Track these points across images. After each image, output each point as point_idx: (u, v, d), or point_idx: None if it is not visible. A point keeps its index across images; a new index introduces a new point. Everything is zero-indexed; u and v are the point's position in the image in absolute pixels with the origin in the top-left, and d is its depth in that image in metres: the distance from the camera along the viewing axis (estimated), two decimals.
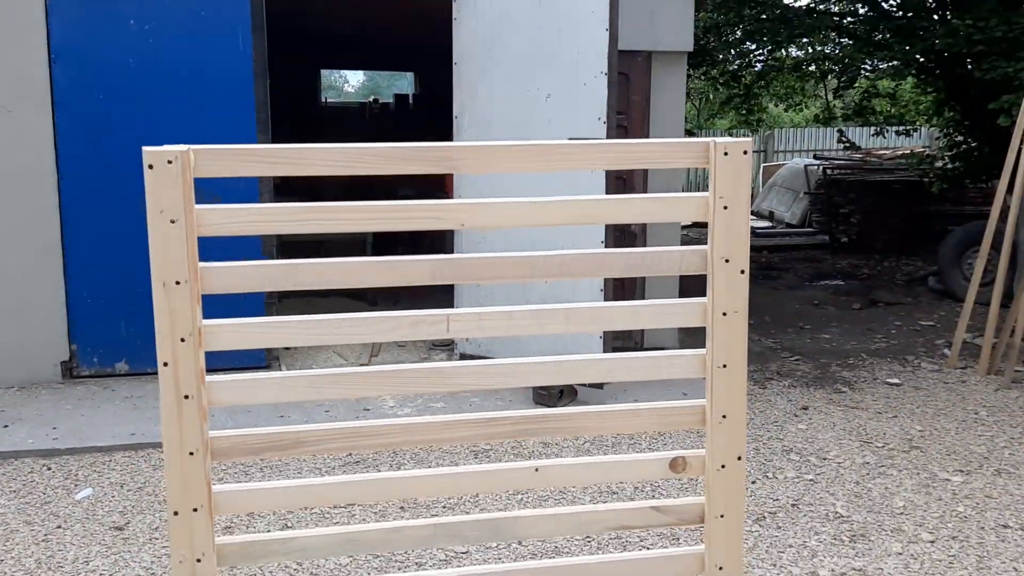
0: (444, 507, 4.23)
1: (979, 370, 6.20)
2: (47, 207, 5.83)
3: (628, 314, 1.70)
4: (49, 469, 4.65)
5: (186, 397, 1.52)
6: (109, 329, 5.99)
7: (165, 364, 1.51)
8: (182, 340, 1.51)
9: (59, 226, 5.86)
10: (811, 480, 4.46)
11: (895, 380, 6.10)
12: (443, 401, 5.65)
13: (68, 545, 3.82)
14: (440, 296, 6.69)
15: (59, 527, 4.00)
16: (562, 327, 1.65)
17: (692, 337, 6.76)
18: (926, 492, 4.28)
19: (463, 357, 6.28)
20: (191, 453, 1.53)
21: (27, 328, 5.86)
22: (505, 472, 1.69)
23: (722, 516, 1.71)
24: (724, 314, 1.66)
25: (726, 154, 1.62)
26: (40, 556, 3.72)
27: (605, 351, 5.60)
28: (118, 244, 5.89)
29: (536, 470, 1.68)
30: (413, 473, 1.66)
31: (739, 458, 1.70)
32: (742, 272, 1.65)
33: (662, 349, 6.54)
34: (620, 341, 6.41)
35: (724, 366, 1.67)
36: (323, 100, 15.92)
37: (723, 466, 1.70)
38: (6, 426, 5.16)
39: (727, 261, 1.65)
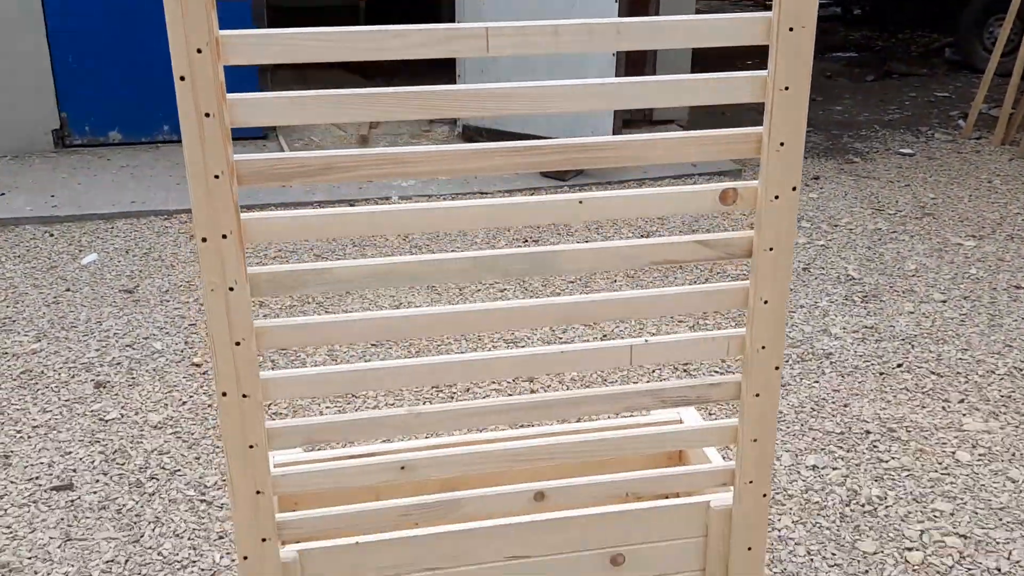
0: None
1: (994, 140, 6.07)
2: None
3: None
4: (51, 236, 4.59)
5: (207, 115, 1.39)
6: (100, 96, 5.77)
7: (182, 78, 1.38)
8: (198, 51, 1.37)
9: None
10: (823, 246, 4.43)
11: (908, 150, 5.98)
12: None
13: (79, 307, 3.82)
14: (439, 77, 6.43)
15: (68, 290, 3.98)
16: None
17: (702, 116, 6.56)
18: (938, 256, 4.27)
19: (465, 130, 6.11)
20: (216, 176, 1.42)
21: (14, 95, 5.63)
22: (549, 204, 1.59)
23: (771, 249, 1.64)
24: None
25: None
26: (52, 317, 3.72)
27: (615, 131, 5.42)
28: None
29: (580, 202, 1.59)
30: (447, 205, 1.57)
31: (794, 189, 1.60)
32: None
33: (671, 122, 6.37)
34: (629, 115, 6.21)
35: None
36: None
37: (776, 197, 1.61)
38: (3, 194, 5.06)
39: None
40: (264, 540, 1.65)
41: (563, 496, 1.79)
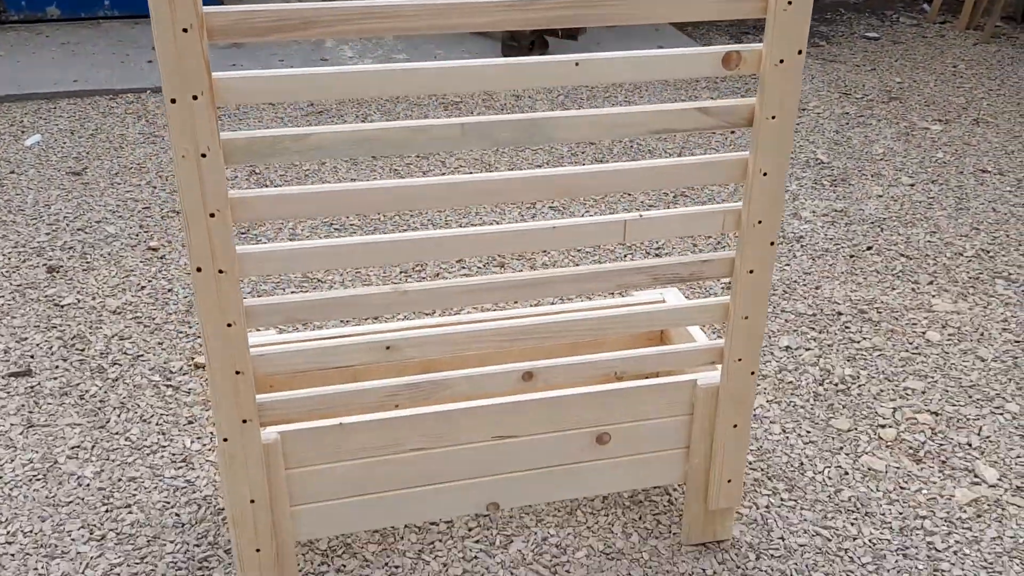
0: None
1: (959, 25, 6.00)
2: None
3: None
4: None
5: None
6: None
7: None
8: None
9: None
10: None
11: (874, 34, 5.89)
12: (405, 52, 5.34)
13: (25, 190, 3.64)
14: None
15: (12, 172, 3.79)
16: None
17: None
18: (905, 140, 4.24)
19: None
20: (185, 30, 1.30)
21: None
22: (544, 66, 1.50)
23: (774, 117, 1.57)
24: None
25: None
26: None
27: None
28: None
29: (576, 64, 1.50)
30: (437, 65, 1.46)
31: (800, 52, 1.53)
32: None
33: None
34: None
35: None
36: None
37: (781, 61, 1.53)
38: None
39: None
40: (245, 421, 1.59)
41: (551, 376, 1.75)
